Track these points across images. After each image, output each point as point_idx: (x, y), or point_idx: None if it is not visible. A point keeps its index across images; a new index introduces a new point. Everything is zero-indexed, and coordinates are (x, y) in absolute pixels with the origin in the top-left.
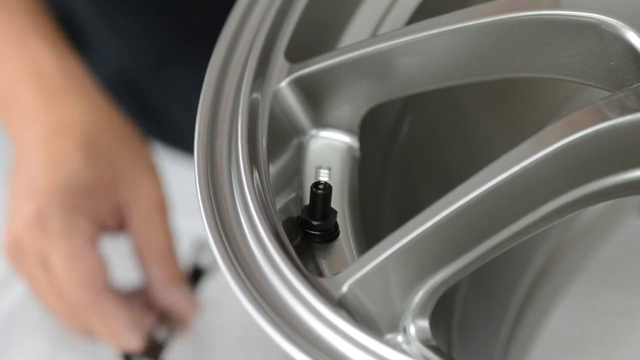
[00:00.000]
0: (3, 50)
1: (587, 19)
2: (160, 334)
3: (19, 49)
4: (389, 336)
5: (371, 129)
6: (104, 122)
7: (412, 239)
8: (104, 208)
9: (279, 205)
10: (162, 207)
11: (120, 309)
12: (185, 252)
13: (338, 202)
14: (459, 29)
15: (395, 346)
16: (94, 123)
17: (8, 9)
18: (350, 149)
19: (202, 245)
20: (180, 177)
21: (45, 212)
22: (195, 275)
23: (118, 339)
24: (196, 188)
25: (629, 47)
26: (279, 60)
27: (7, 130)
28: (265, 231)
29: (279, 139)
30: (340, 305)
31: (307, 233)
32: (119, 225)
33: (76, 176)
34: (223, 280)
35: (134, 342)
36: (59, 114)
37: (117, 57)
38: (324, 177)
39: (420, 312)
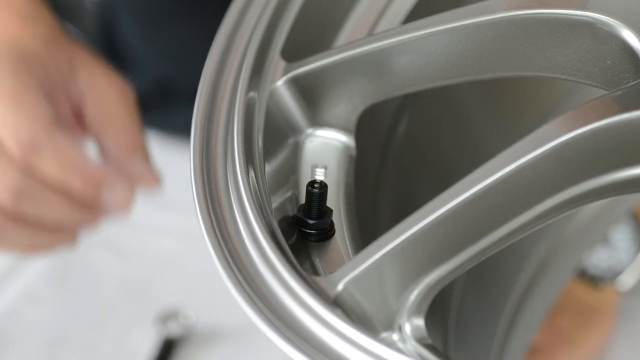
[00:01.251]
0: None
1: (583, 18)
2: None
3: None
4: (384, 335)
5: (368, 128)
6: (66, 41)
7: (408, 237)
8: (57, 86)
9: (274, 204)
10: (121, 88)
11: (75, 146)
12: (153, 327)
13: (334, 200)
14: (455, 27)
15: (391, 345)
16: (51, 36)
17: None
18: (346, 147)
19: (168, 316)
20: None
21: None
22: (167, 348)
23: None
24: (192, 186)
25: (625, 45)
26: (275, 59)
27: None
28: (260, 230)
29: (275, 137)
30: (336, 303)
31: (303, 232)
32: (75, 119)
33: (32, 49)
34: (219, 279)
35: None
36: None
37: (155, 69)
38: (320, 175)
39: (415, 311)
